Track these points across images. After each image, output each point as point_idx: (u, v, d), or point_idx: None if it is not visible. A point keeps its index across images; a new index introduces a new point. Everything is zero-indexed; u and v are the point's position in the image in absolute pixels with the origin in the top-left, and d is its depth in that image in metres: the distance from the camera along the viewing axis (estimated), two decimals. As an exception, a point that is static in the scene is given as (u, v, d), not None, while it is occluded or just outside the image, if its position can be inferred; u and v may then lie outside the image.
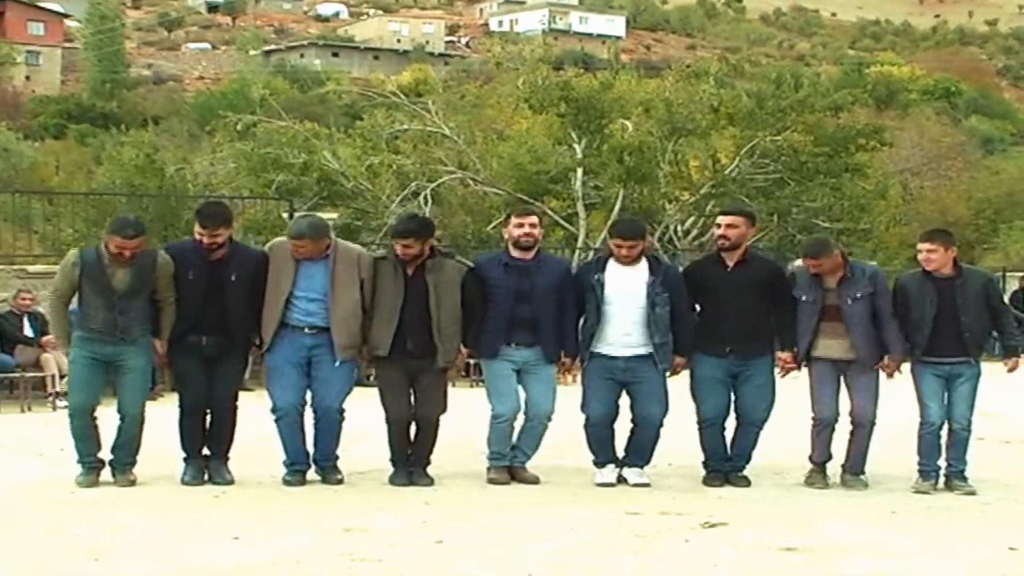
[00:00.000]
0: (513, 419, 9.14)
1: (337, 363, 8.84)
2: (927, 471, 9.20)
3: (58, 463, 9.40)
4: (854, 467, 9.29)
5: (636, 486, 9.05)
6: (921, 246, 9.22)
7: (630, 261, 9.02)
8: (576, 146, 26.72)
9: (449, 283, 8.96)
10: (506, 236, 9.31)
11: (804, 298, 9.15)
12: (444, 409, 9.12)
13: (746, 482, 9.26)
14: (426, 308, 8.86)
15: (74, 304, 8.88)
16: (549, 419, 9.16)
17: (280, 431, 8.94)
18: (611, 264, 9.09)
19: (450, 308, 8.94)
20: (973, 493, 9.06)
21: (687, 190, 27.15)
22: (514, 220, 9.21)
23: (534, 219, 9.16)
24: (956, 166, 45.56)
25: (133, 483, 8.73)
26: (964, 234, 36.88)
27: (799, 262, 9.81)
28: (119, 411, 8.80)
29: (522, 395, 9.19)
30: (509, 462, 9.19)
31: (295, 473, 8.96)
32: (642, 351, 8.99)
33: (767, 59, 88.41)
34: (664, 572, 6.58)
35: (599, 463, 9.24)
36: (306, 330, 8.83)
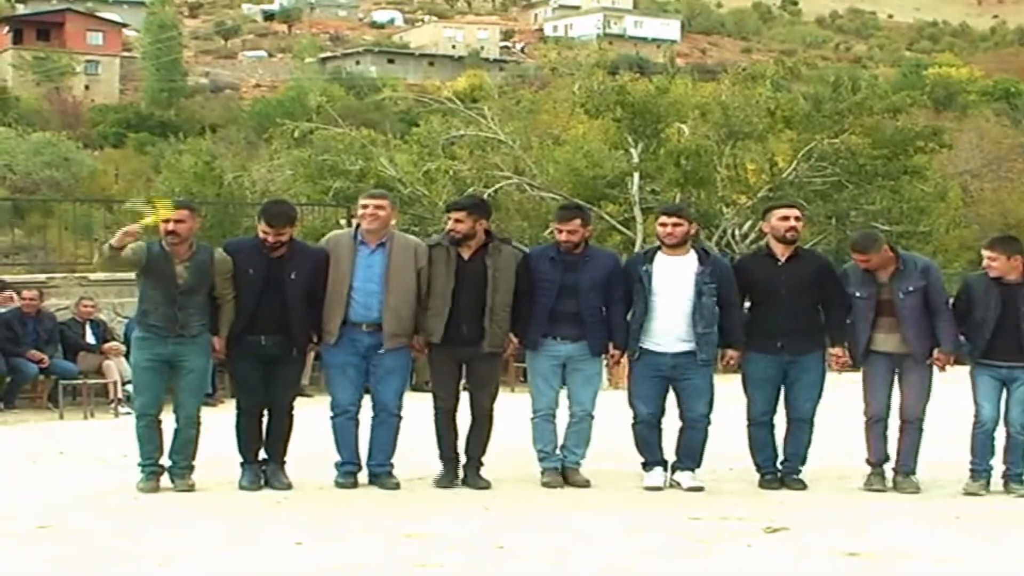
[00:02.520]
0: (552, 414, 9.16)
1: (383, 351, 8.86)
2: (978, 471, 9.16)
3: (121, 469, 9.47)
4: (905, 466, 9.24)
5: (690, 490, 9.03)
6: (984, 252, 9.20)
7: (675, 243, 9.00)
8: (632, 150, 26.68)
9: (506, 268, 8.98)
10: None
11: (859, 294, 9.13)
12: (496, 398, 9.17)
13: (801, 485, 9.22)
14: (482, 293, 8.89)
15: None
16: (592, 415, 9.17)
17: (335, 429, 8.99)
18: (659, 255, 9.09)
19: (505, 293, 8.96)
20: None
21: (744, 194, 27.05)
22: (555, 225, 9.27)
23: (574, 224, 9.09)
24: (1017, 167, 45.08)
25: (192, 488, 8.77)
26: (1026, 236, 36.47)
27: None
28: (175, 412, 8.86)
29: (564, 392, 9.23)
30: (560, 463, 9.21)
31: (347, 475, 9.00)
32: (689, 346, 8.97)
33: (823, 62, 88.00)
34: (726, 577, 6.57)
35: (646, 465, 9.23)
36: (364, 327, 8.86)
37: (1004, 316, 9.01)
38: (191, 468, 8.88)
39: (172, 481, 8.83)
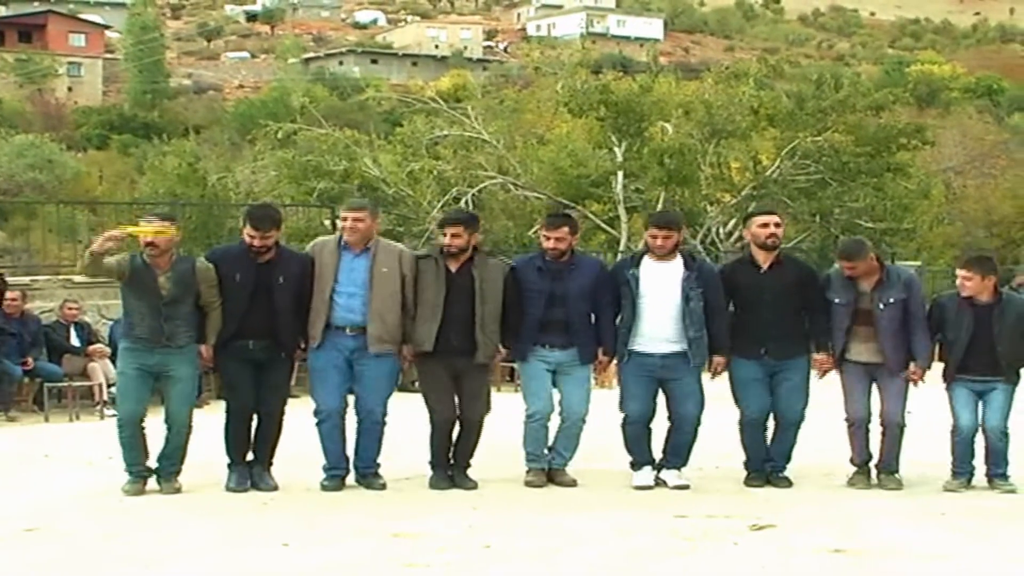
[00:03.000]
0: (546, 418, 9.17)
1: (371, 352, 8.85)
2: (960, 472, 9.24)
3: (107, 472, 9.46)
4: (888, 466, 9.28)
5: (676, 488, 9.05)
6: (959, 271, 9.26)
7: (665, 253, 9.03)
8: (616, 149, 26.69)
9: (493, 280, 9.01)
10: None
11: (837, 300, 9.16)
12: (488, 410, 9.16)
13: (787, 483, 9.26)
14: (470, 304, 8.91)
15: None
16: (583, 420, 9.17)
17: (321, 434, 8.99)
18: (646, 260, 9.11)
19: (493, 304, 8.98)
20: (1014, 491, 9.04)
21: (728, 192, 27.07)
22: (543, 233, 9.27)
23: (562, 232, 9.11)
24: (1000, 164, 45.15)
25: (178, 491, 8.78)
26: (1010, 232, 36.64)
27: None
28: (166, 420, 8.85)
29: (556, 396, 9.23)
30: (547, 464, 9.23)
31: (333, 479, 9.00)
32: (677, 347, 9.00)
33: (806, 60, 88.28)
34: (712, 575, 6.57)
35: (636, 464, 9.25)
36: (348, 331, 8.86)
37: (977, 336, 9.08)
38: (178, 471, 8.89)
39: (159, 483, 8.84)
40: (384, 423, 9.02)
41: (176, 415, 8.81)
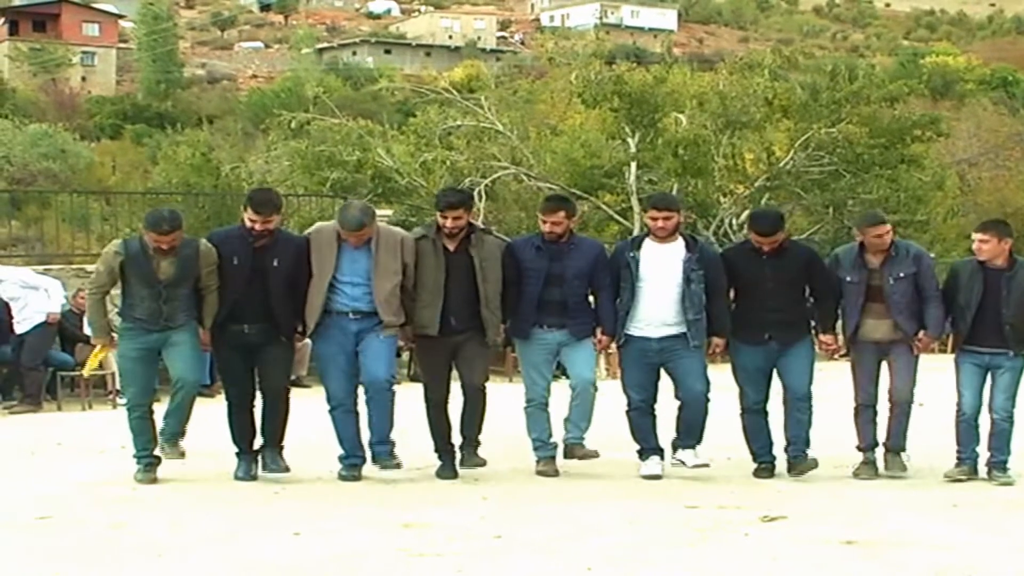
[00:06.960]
0: (545, 403, 9.17)
1: (380, 336, 8.84)
2: (963, 458, 9.24)
3: (119, 460, 9.48)
4: (895, 444, 9.30)
5: (696, 467, 9.04)
6: (975, 235, 9.23)
7: (665, 236, 9.02)
8: (630, 140, 26.64)
9: (492, 258, 9.03)
10: None
11: (849, 279, 9.17)
12: (487, 377, 9.19)
13: (813, 464, 9.23)
14: (471, 283, 8.92)
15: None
16: (595, 386, 9.17)
17: (335, 422, 8.99)
18: (647, 242, 9.12)
19: (494, 283, 8.99)
20: (1011, 483, 9.03)
21: (742, 183, 27.04)
22: (541, 217, 9.25)
23: (559, 216, 9.10)
24: (1015, 156, 44.91)
25: (183, 455, 8.82)
26: (1025, 225, 36.49)
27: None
28: (172, 378, 8.82)
29: (556, 385, 9.27)
30: (561, 443, 9.21)
31: (351, 467, 9.00)
32: (676, 331, 8.99)
33: (821, 51, 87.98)
34: (723, 566, 6.57)
35: (643, 453, 9.25)
36: (351, 315, 8.85)
37: (986, 301, 9.04)
38: (182, 434, 8.88)
39: (162, 448, 8.83)
40: (392, 391, 8.95)
41: (182, 372, 8.76)
